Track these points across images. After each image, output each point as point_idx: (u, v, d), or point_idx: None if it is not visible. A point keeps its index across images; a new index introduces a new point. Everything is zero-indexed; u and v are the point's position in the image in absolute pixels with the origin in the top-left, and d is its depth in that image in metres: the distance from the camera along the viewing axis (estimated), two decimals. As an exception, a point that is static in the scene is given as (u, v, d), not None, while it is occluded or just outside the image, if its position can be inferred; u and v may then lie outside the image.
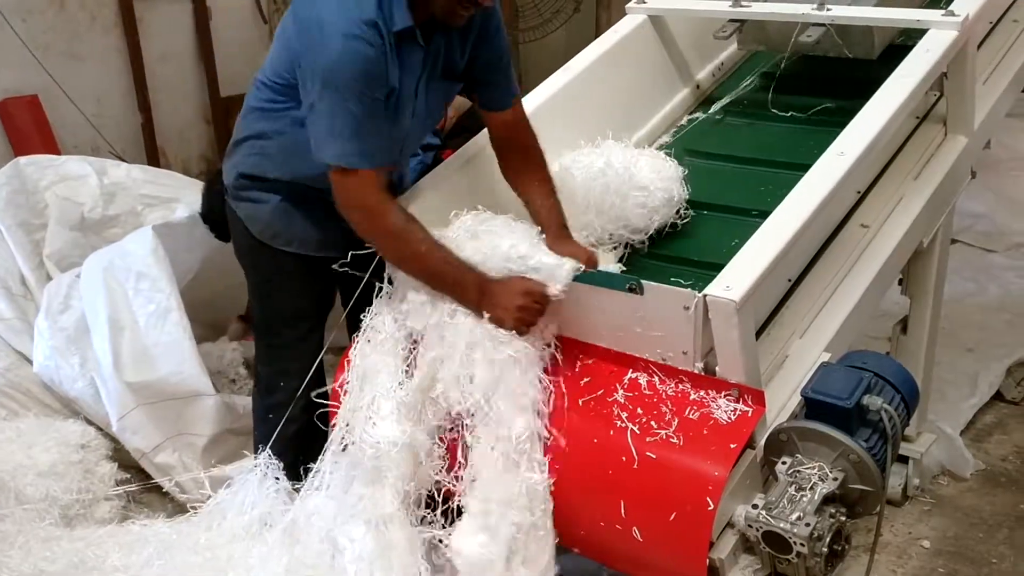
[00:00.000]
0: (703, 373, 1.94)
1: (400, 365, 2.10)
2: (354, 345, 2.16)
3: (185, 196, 3.31)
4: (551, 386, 2.05)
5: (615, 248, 2.38)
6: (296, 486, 2.18)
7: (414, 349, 2.13)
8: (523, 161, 2.30)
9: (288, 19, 2.12)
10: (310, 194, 2.25)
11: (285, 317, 2.37)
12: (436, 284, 2.07)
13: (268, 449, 2.28)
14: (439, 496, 2.08)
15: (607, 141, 2.51)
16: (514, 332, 2.02)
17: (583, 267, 2.03)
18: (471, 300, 2.05)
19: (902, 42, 2.69)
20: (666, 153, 2.51)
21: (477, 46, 2.23)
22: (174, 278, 2.92)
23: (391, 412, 2.03)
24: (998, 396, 3.46)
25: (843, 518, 1.83)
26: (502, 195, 2.36)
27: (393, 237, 2.05)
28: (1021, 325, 3.88)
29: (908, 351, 2.85)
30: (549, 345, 2.08)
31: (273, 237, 2.31)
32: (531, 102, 2.53)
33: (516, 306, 2.00)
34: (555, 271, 2.02)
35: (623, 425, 1.95)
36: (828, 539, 1.78)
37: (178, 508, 2.71)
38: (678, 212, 2.40)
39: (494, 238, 2.11)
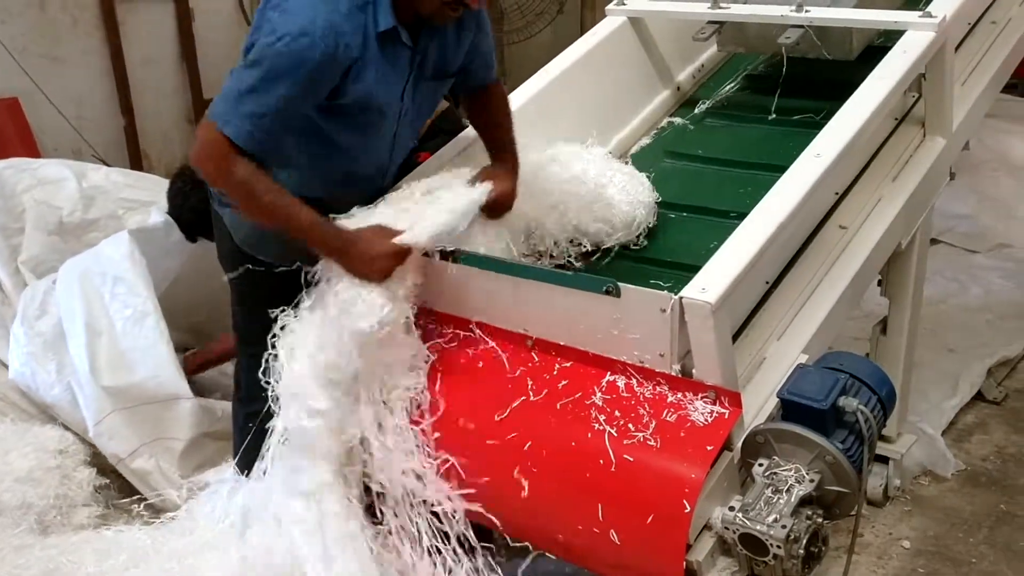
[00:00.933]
0: (680, 375, 1.93)
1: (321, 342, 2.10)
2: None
3: (164, 199, 3.29)
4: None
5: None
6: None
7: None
8: (496, 123, 2.33)
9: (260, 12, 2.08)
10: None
11: (260, 324, 2.35)
12: (291, 234, 2.06)
13: (245, 457, 2.27)
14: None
15: (595, 147, 2.52)
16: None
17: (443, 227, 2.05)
18: (324, 254, 2.07)
19: (881, 43, 2.69)
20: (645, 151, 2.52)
21: (473, 43, 2.23)
22: (151, 282, 2.91)
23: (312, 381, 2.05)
24: (979, 396, 3.48)
25: (820, 520, 1.83)
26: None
27: (241, 188, 2.03)
28: (1002, 326, 3.90)
29: (888, 352, 2.85)
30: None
31: (254, 246, 2.30)
32: (511, 105, 2.52)
33: (376, 270, 2.02)
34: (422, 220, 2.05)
35: (600, 428, 1.94)
36: (805, 541, 1.78)
37: (156, 514, 2.69)
38: (637, 238, 2.40)
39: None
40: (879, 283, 2.77)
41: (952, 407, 3.38)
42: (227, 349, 3.12)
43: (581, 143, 2.55)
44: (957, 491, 3.01)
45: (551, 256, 2.36)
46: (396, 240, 2.04)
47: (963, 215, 4.68)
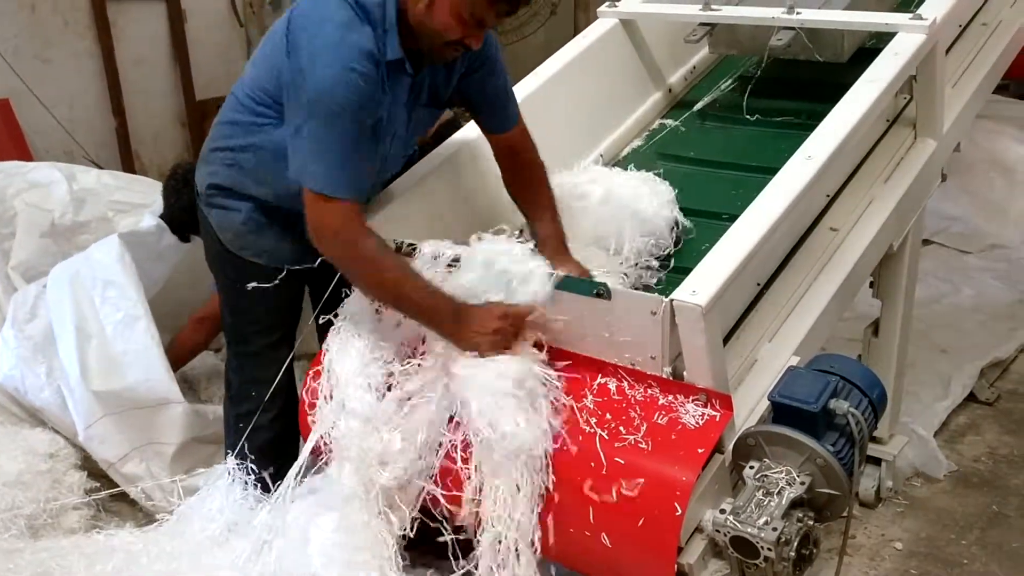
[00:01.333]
0: (671, 378, 1.94)
1: (368, 354, 2.09)
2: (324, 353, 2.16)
3: (157, 201, 3.29)
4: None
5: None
6: (266, 496, 2.17)
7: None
8: (526, 180, 2.31)
9: (278, 36, 2.07)
10: (282, 209, 2.23)
11: (254, 326, 2.36)
12: (410, 312, 2.05)
13: (238, 457, 2.27)
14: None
15: (596, 167, 2.52)
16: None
17: (556, 273, 2.01)
18: (446, 327, 2.03)
19: (872, 45, 2.69)
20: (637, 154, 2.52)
21: (468, 75, 2.23)
22: (141, 286, 2.89)
23: (357, 387, 2.03)
24: (971, 397, 3.48)
25: (811, 522, 1.83)
26: (474, 198, 2.39)
27: (367, 264, 2.01)
28: (994, 326, 3.91)
29: (880, 353, 2.85)
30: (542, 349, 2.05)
31: (242, 248, 2.30)
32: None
33: (492, 329, 1.99)
34: (532, 274, 2.00)
35: (591, 431, 1.95)
36: (796, 543, 1.77)
37: (148, 517, 2.69)
38: (677, 239, 2.39)
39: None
40: (871, 285, 2.77)
41: (944, 408, 3.38)
42: (196, 339, 3.12)
43: (578, 159, 2.57)
44: (949, 492, 3.01)
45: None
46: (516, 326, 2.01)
47: (955, 216, 4.69)
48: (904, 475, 3.05)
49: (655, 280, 2.32)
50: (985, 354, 3.66)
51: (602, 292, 1.91)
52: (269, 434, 2.35)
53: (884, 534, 2.84)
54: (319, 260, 2.11)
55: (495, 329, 1.99)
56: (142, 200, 3.33)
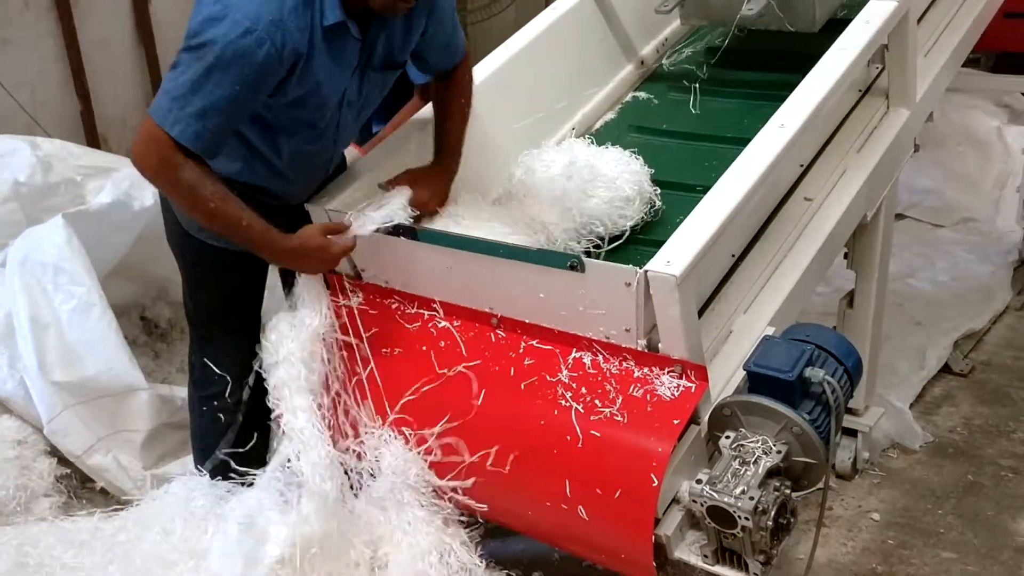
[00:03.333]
0: (646, 350, 1.92)
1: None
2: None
3: (124, 167, 3.16)
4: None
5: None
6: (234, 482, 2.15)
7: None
8: (446, 96, 2.31)
9: None
10: (239, 188, 2.18)
11: (215, 308, 2.31)
12: (232, 240, 2.06)
13: (203, 442, 2.24)
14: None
15: (570, 140, 2.50)
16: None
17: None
18: (269, 258, 2.10)
19: (844, 15, 2.68)
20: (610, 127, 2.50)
21: (425, 33, 2.18)
22: (93, 270, 2.80)
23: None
24: (946, 369, 3.49)
25: (788, 491, 1.82)
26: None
27: (184, 192, 1.98)
28: (968, 299, 3.92)
29: (855, 325, 2.85)
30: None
31: (200, 230, 2.23)
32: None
33: (315, 266, 2.10)
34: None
35: (568, 405, 1.93)
36: (773, 512, 1.77)
37: (121, 502, 2.64)
38: (650, 212, 2.36)
39: None
40: (845, 256, 2.77)
41: (920, 380, 3.39)
42: None
43: (550, 132, 2.54)
44: (925, 463, 3.02)
45: None
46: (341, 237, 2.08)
47: (929, 189, 4.69)
48: (880, 446, 3.06)
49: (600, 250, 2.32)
50: (959, 326, 3.68)
51: (576, 264, 1.88)
52: (233, 418, 2.31)
53: (861, 505, 2.84)
54: None
55: (318, 245, 2.05)
56: (111, 164, 3.21)
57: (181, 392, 2.80)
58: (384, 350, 2.21)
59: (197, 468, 2.33)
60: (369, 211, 2.12)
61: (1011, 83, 4.36)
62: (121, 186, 3.05)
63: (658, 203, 2.38)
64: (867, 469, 2.98)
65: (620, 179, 2.34)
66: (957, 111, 4.89)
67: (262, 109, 2.03)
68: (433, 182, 2.22)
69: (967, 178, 4.81)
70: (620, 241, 2.32)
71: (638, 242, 2.32)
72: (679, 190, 2.42)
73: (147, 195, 3.00)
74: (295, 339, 2.13)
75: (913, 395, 3.31)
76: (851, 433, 2.93)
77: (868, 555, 2.65)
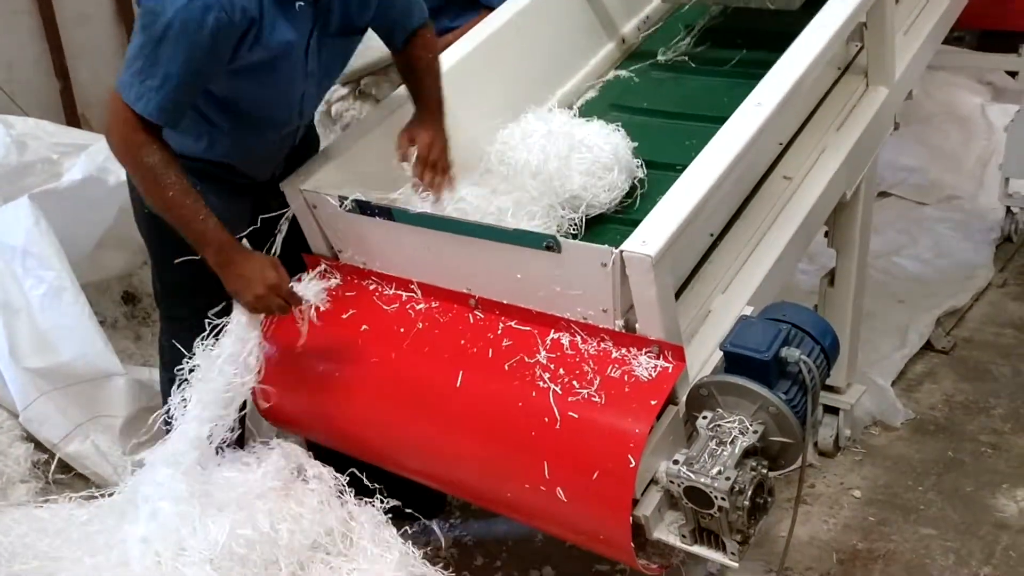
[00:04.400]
0: (624, 331, 1.91)
1: None
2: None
3: (96, 145, 3.11)
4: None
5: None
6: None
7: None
8: (412, 57, 2.28)
9: None
10: (206, 170, 2.17)
11: (182, 289, 2.30)
12: (183, 232, 2.04)
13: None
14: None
15: (550, 111, 2.48)
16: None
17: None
18: (210, 258, 2.05)
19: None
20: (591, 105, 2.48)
21: None
22: (63, 252, 2.76)
23: None
24: (928, 346, 3.50)
25: (765, 471, 1.82)
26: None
27: (146, 175, 1.99)
28: (951, 276, 3.93)
29: (836, 303, 2.85)
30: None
31: None
32: (451, 57, 2.49)
33: (255, 294, 2.03)
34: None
35: (545, 386, 1.92)
36: (750, 492, 1.76)
37: (101, 488, 2.62)
38: (637, 190, 2.34)
39: None
40: (826, 235, 2.77)
41: (902, 357, 3.40)
42: None
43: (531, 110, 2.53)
44: (907, 440, 3.04)
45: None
46: (290, 291, 2.07)
47: (912, 167, 4.70)
48: (862, 424, 3.07)
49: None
50: (941, 303, 3.69)
51: (552, 245, 1.87)
52: None
53: (843, 482, 2.85)
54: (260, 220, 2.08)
55: (259, 295, 2.02)
56: (88, 141, 3.16)
57: (158, 376, 2.79)
58: (361, 330, 2.20)
59: None
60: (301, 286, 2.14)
61: (994, 61, 4.35)
62: (96, 160, 3.00)
63: (640, 174, 2.36)
64: (849, 446, 2.99)
65: (598, 147, 2.31)
66: (940, 89, 4.89)
67: (226, 79, 2.01)
68: (427, 130, 2.21)
69: (950, 156, 4.81)
70: (604, 211, 2.30)
71: (618, 220, 2.31)
72: (660, 169, 2.41)
73: (122, 169, 2.96)
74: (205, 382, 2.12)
75: (895, 372, 3.33)
76: (833, 411, 2.94)
77: (849, 532, 2.66)
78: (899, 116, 2.78)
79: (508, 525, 2.69)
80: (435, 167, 2.19)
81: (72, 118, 4.59)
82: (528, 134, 2.38)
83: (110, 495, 2.15)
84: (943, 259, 4.12)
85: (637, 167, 2.36)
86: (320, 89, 2.25)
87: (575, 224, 2.29)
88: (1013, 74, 4.79)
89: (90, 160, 3.01)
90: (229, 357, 2.09)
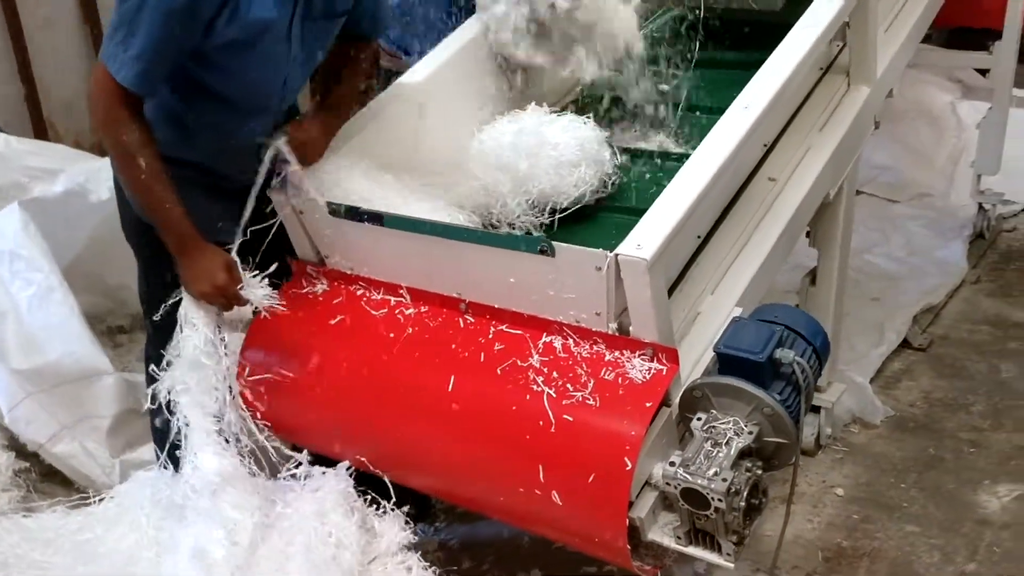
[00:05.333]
0: (617, 333, 1.91)
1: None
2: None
3: (71, 168, 3.11)
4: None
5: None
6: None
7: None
8: (348, 63, 2.30)
9: None
10: (191, 175, 2.15)
11: (167, 298, 2.26)
12: (148, 216, 2.09)
13: (165, 437, 2.20)
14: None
15: (525, 111, 2.47)
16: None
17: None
18: (172, 247, 2.10)
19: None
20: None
21: None
22: (51, 255, 2.77)
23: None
24: (905, 344, 3.54)
25: (759, 472, 1.83)
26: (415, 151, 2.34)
27: (121, 153, 2.03)
28: (925, 273, 3.97)
29: (817, 302, 2.88)
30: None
31: None
32: (428, 64, 2.49)
33: (201, 291, 2.10)
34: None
35: (539, 390, 1.92)
36: (745, 493, 1.77)
37: (84, 496, 2.59)
38: (610, 181, 2.35)
39: None
40: (807, 234, 2.78)
41: (879, 355, 3.44)
42: None
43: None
44: (887, 437, 3.07)
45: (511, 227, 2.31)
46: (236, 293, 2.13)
47: (884, 165, 4.75)
48: (842, 422, 3.10)
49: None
50: (917, 301, 3.74)
51: (546, 248, 1.87)
52: None
53: (825, 481, 2.88)
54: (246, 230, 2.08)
55: (212, 289, 2.09)
56: (58, 165, 3.15)
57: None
58: (350, 337, 2.19)
59: (160, 462, 2.29)
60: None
61: (965, 59, 4.41)
62: (76, 179, 3.00)
63: (611, 167, 2.36)
64: (830, 445, 3.02)
65: (563, 144, 2.31)
66: (911, 86, 4.94)
67: (207, 58, 2.01)
68: (314, 129, 2.21)
69: (921, 153, 4.87)
70: (577, 207, 2.31)
71: (607, 209, 2.33)
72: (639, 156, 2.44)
73: (103, 189, 2.95)
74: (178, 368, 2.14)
75: (873, 370, 3.36)
76: (814, 409, 2.97)
77: (833, 530, 2.68)
78: (877, 115, 2.81)
79: (494, 527, 2.69)
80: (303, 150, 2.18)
81: (38, 124, 4.52)
82: (500, 135, 2.38)
83: (99, 500, 2.11)
84: (916, 256, 4.16)
85: (609, 157, 2.36)
86: (304, 72, 2.23)
87: (543, 225, 2.30)
88: (983, 72, 4.85)
89: (71, 179, 3.02)
90: (195, 349, 2.12)
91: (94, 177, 3.03)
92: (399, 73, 2.68)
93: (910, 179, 4.73)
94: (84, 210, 2.97)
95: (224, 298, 2.12)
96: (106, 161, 2.70)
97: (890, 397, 3.25)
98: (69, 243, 2.96)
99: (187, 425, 2.07)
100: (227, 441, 2.08)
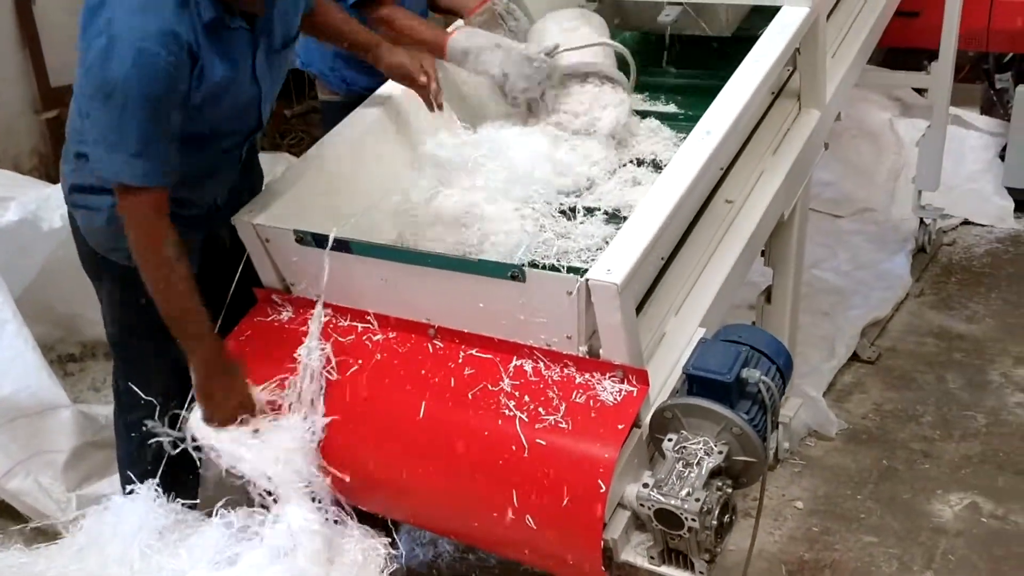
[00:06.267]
0: (587, 356, 1.94)
1: None
2: None
3: (19, 195, 3.06)
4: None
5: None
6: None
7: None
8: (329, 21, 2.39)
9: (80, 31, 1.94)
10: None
11: (136, 330, 2.23)
12: (175, 329, 2.04)
13: (131, 469, 2.18)
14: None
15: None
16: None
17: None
18: (193, 364, 2.06)
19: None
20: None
21: None
22: (4, 286, 2.72)
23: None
24: (855, 357, 3.62)
25: (729, 490, 1.87)
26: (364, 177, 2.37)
27: (163, 264, 1.98)
28: (871, 287, 4.07)
29: (773, 320, 2.94)
30: None
31: (110, 251, 2.16)
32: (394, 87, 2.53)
33: (218, 419, 2.07)
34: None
35: (511, 414, 1.94)
36: (717, 512, 1.81)
37: (39, 533, 2.53)
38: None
39: None
40: (762, 254, 2.84)
41: (831, 368, 3.51)
42: None
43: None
44: (841, 449, 3.13)
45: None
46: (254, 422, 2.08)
47: (827, 182, 4.86)
48: (799, 436, 3.16)
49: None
50: (864, 315, 3.82)
51: (517, 274, 1.89)
52: (161, 445, 2.24)
53: (784, 494, 2.93)
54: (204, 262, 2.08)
55: (228, 420, 2.07)
56: (9, 193, 3.09)
57: (102, 410, 2.71)
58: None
59: (125, 494, 2.25)
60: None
61: (903, 79, 4.54)
62: (28, 207, 2.95)
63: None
64: (788, 458, 3.07)
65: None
66: (852, 105, 5.06)
67: (190, 111, 1.98)
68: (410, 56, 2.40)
69: (863, 169, 4.99)
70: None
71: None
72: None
73: (55, 216, 2.90)
74: None
75: (825, 383, 3.43)
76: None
77: (795, 543, 2.74)
78: (826, 136, 2.89)
79: (455, 549, 2.69)
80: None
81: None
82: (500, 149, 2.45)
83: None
84: (862, 271, 4.26)
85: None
86: (274, 90, 2.23)
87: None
88: (920, 90, 5.00)
89: (23, 207, 2.96)
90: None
91: (45, 205, 2.99)
92: (345, 105, 2.71)
93: (852, 194, 4.85)
94: (37, 238, 2.93)
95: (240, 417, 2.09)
96: (57, 188, 2.68)
97: (843, 410, 3.32)
98: (22, 272, 2.91)
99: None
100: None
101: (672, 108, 2.74)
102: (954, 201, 4.68)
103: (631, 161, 2.52)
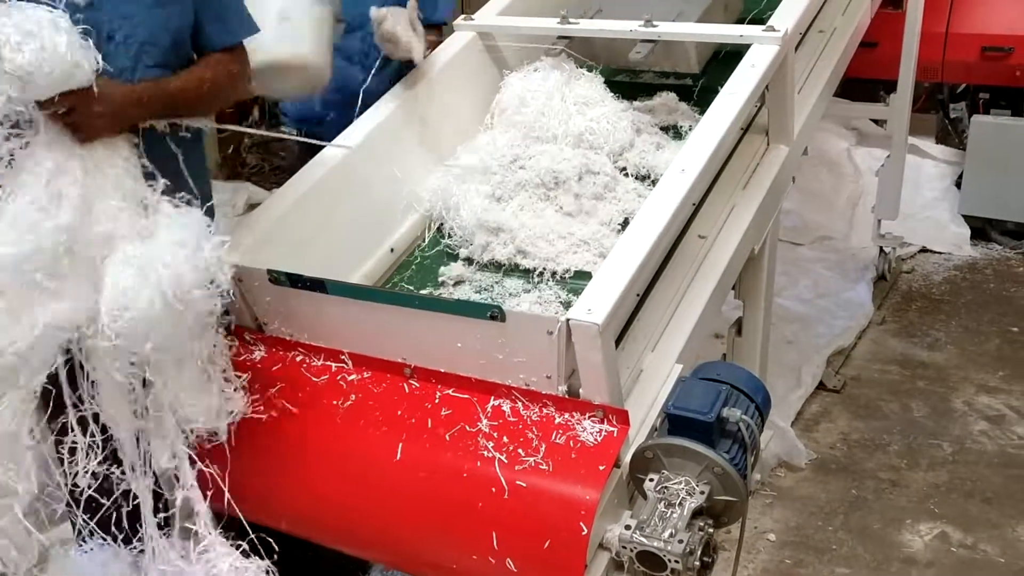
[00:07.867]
0: (567, 396, 1.93)
1: None
2: None
3: None
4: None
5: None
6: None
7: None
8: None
9: None
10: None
11: None
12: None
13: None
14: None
15: None
16: None
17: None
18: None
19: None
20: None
21: None
22: None
23: None
24: (821, 386, 3.65)
25: (711, 530, 1.86)
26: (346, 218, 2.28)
27: None
28: (834, 315, 4.11)
29: (744, 352, 2.95)
30: None
31: None
32: (364, 126, 2.50)
33: None
34: None
35: (490, 455, 1.92)
36: (699, 552, 1.80)
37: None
38: None
39: None
40: (733, 287, 2.86)
41: (798, 398, 3.54)
42: None
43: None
44: (811, 480, 3.15)
45: None
46: None
47: (787, 210, 4.90)
48: (769, 466, 3.17)
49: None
50: (828, 343, 3.86)
51: (496, 315, 1.88)
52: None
53: (756, 526, 2.94)
54: None
55: None
56: None
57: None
58: (291, 404, 2.15)
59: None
60: None
61: (863, 110, 4.62)
62: None
63: None
64: (759, 489, 3.08)
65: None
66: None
67: None
68: None
69: (822, 198, 5.07)
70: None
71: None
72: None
73: None
74: None
75: (793, 413, 3.46)
76: (742, 456, 3.03)
77: (768, 576, 2.75)
78: (796, 170, 2.92)
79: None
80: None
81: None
82: None
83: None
84: (823, 299, 4.30)
85: None
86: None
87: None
88: (877, 120, 5.08)
89: None
90: None
91: None
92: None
93: (812, 222, 4.91)
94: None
95: None
96: None
97: (811, 439, 3.35)
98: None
99: None
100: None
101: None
102: (912, 229, 4.76)
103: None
